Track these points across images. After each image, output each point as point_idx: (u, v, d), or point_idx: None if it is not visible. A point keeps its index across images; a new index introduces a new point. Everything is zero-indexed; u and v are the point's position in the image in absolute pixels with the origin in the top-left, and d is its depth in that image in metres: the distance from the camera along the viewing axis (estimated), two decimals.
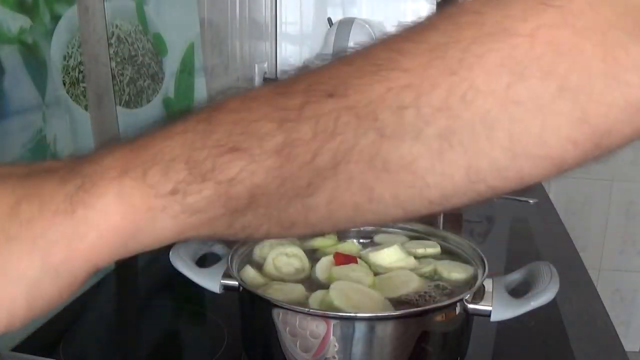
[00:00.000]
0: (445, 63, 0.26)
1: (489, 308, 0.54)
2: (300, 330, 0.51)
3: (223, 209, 0.28)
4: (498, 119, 0.26)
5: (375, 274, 0.59)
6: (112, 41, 0.83)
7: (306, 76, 0.28)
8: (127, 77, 0.87)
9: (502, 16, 0.26)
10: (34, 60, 0.66)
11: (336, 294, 0.53)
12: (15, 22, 0.63)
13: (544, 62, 0.26)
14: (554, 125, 0.26)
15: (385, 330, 0.51)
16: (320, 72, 0.28)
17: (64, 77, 0.72)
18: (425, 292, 0.57)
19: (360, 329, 0.51)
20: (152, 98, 0.93)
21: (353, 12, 1.70)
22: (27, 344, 0.61)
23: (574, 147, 0.27)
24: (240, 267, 0.60)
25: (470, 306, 0.54)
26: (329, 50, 1.62)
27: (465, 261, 0.62)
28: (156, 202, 0.27)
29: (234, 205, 0.28)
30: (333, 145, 0.27)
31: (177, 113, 0.31)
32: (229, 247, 0.63)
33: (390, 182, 0.28)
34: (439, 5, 1.17)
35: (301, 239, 0.68)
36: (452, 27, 0.27)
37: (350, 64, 0.28)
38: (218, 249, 0.66)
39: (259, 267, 0.61)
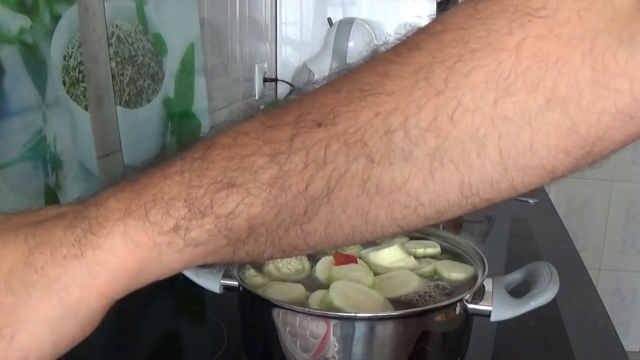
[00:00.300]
0: (430, 84, 0.26)
1: (489, 308, 0.54)
2: (300, 330, 0.51)
3: (225, 240, 0.29)
4: (487, 135, 0.26)
5: (375, 274, 0.59)
6: (112, 41, 0.83)
7: (295, 106, 0.29)
8: (127, 77, 0.87)
9: (486, 31, 0.26)
10: (34, 60, 0.66)
11: (336, 294, 0.53)
12: (15, 22, 0.63)
13: (531, 75, 0.26)
14: (544, 137, 0.26)
15: (385, 330, 0.51)
16: (309, 101, 0.29)
17: (64, 77, 0.72)
18: (425, 292, 0.57)
19: (360, 329, 0.51)
20: (152, 98, 0.93)
21: (353, 12, 1.70)
22: None
23: (565, 155, 0.27)
24: (240, 267, 0.60)
25: (470, 306, 0.54)
26: (329, 50, 1.62)
27: (465, 261, 0.62)
28: (160, 239, 0.29)
29: (235, 236, 0.29)
30: (325, 174, 0.27)
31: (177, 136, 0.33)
32: None
33: (385, 204, 0.28)
34: (439, 5, 1.17)
35: None
36: (436, 45, 0.27)
37: (338, 90, 0.28)
38: None
39: (259, 267, 0.61)
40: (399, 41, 0.29)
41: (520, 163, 0.27)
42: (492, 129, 0.26)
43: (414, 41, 0.28)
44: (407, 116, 0.27)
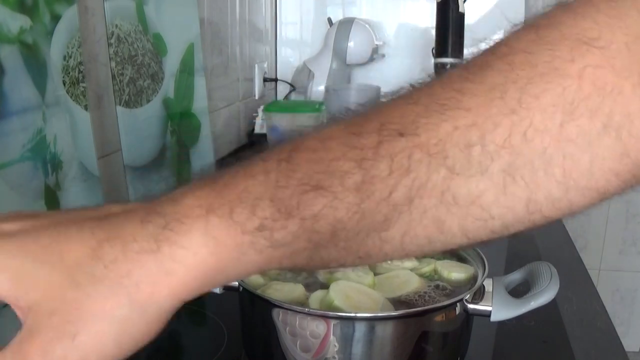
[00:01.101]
0: (505, 103, 0.28)
1: (489, 308, 0.54)
2: (300, 330, 0.51)
3: (306, 243, 0.29)
4: (553, 155, 0.28)
5: (375, 274, 0.59)
6: (112, 41, 0.83)
7: (376, 115, 0.30)
8: (127, 77, 0.87)
9: (551, 56, 0.28)
10: (34, 60, 0.66)
11: (336, 294, 0.53)
12: (15, 22, 0.63)
13: (591, 102, 0.27)
14: (600, 160, 0.28)
15: (385, 330, 0.51)
16: (388, 111, 0.30)
17: (64, 77, 0.72)
18: (425, 292, 0.57)
19: (360, 329, 0.51)
20: (152, 98, 0.93)
21: (353, 12, 1.70)
22: None
23: (616, 178, 0.29)
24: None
25: (470, 306, 0.54)
26: (329, 50, 1.62)
27: (465, 261, 0.62)
28: (244, 238, 0.29)
29: (317, 239, 0.29)
30: (408, 182, 0.28)
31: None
32: None
33: (459, 216, 0.29)
34: (438, 5, 1.17)
35: None
36: (506, 67, 0.29)
37: (416, 103, 0.29)
38: None
39: None
40: (466, 61, 0.31)
41: (580, 184, 0.29)
42: (557, 150, 0.28)
43: (484, 61, 0.30)
44: (484, 132, 0.28)
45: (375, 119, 0.29)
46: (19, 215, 0.32)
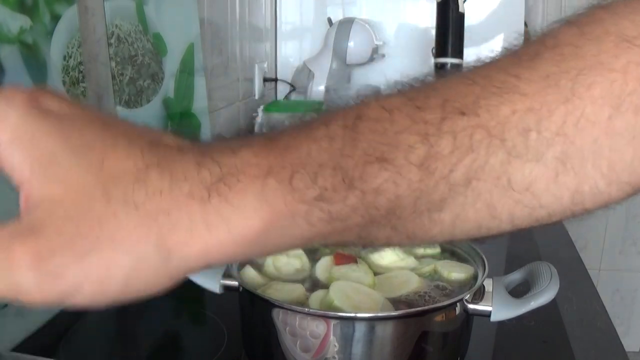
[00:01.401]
0: (559, 91, 0.28)
1: (489, 308, 0.54)
2: (300, 330, 0.51)
3: (361, 219, 0.28)
4: (602, 147, 0.28)
5: (375, 274, 0.59)
6: (112, 41, 0.83)
7: (436, 92, 0.29)
8: (127, 77, 0.86)
9: (597, 50, 0.29)
10: (34, 60, 0.66)
11: (336, 294, 0.53)
12: (15, 22, 0.63)
13: (636, 97, 0.28)
14: None
15: (385, 330, 0.51)
16: (449, 89, 0.29)
17: (64, 77, 0.72)
18: (425, 292, 0.57)
19: (360, 329, 0.51)
20: (152, 98, 0.93)
21: (353, 12, 1.70)
22: (27, 344, 0.61)
23: None
24: (240, 267, 0.60)
25: (470, 306, 0.54)
26: (329, 50, 1.62)
27: (465, 261, 0.62)
28: (300, 207, 0.27)
29: (372, 214, 0.28)
30: (467, 162, 0.28)
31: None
32: None
33: (511, 201, 0.29)
34: (439, 5, 1.17)
35: None
36: (557, 57, 0.29)
37: (473, 83, 0.29)
38: None
39: (259, 267, 0.61)
40: (510, 51, 0.31)
41: (621, 178, 0.29)
42: (605, 142, 0.28)
43: (534, 51, 0.30)
44: (541, 118, 0.28)
45: (436, 95, 0.29)
46: (66, 99, 0.28)
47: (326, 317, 0.51)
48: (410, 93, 0.29)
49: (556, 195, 0.29)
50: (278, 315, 0.52)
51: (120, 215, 0.25)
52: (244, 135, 0.29)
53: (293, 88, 1.68)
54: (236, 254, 0.27)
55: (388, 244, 0.31)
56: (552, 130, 0.28)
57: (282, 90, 1.76)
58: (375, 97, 0.29)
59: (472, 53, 1.52)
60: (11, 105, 0.26)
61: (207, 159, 0.27)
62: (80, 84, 0.75)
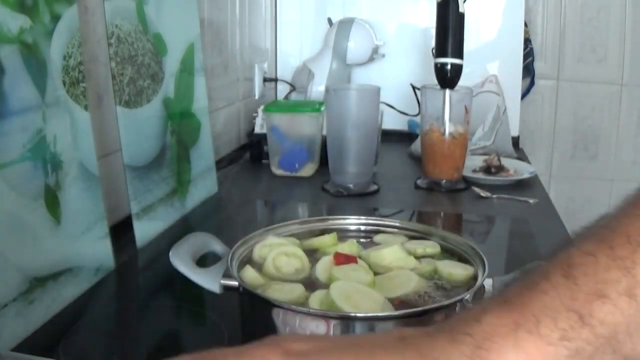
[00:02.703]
0: None
1: None
2: (300, 330, 0.51)
3: (592, 349, 0.32)
4: None
5: (375, 273, 0.59)
6: (112, 41, 0.83)
7: (618, 230, 0.34)
8: (127, 77, 0.87)
9: None
10: (34, 60, 0.66)
11: (336, 294, 0.53)
12: (15, 22, 0.63)
13: None
14: None
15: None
16: (627, 226, 0.34)
17: (64, 77, 0.72)
18: (425, 292, 0.57)
19: (360, 329, 0.51)
20: (152, 98, 0.93)
21: (353, 12, 1.70)
22: (27, 344, 0.61)
23: None
24: (240, 267, 0.60)
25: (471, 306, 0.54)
26: (329, 50, 1.62)
27: (465, 261, 0.62)
28: (549, 349, 0.31)
29: (600, 343, 0.32)
30: None
31: None
32: (228, 247, 0.63)
33: None
34: (439, 5, 1.17)
35: (301, 238, 0.68)
36: None
37: None
38: (218, 249, 0.66)
39: (259, 267, 0.61)
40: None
41: None
42: None
43: None
44: None
45: (620, 232, 0.34)
46: (301, 337, 0.35)
47: (326, 317, 0.51)
48: (598, 235, 0.35)
49: None
50: (278, 315, 0.52)
51: None
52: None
53: (293, 88, 1.68)
54: None
55: None
56: None
57: (282, 90, 1.76)
58: (573, 245, 0.35)
59: (472, 53, 1.53)
60: None
61: (459, 335, 0.32)
62: (80, 84, 0.75)
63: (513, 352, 0.31)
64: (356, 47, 1.61)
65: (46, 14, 0.68)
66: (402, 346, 0.33)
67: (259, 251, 0.63)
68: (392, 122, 1.59)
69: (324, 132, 1.22)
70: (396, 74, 1.68)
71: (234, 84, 1.45)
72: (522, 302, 0.33)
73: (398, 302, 0.55)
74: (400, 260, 0.62)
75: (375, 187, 1.21)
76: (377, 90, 1.17)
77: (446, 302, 0.53)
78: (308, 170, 1.28)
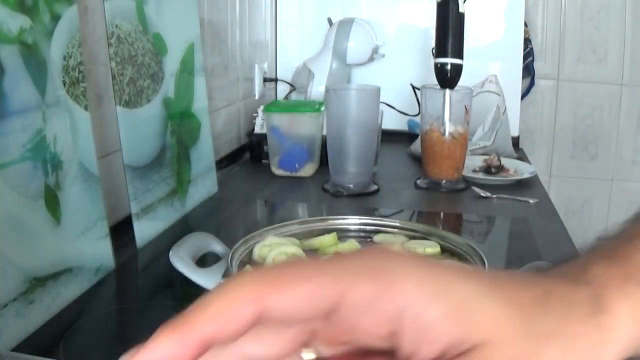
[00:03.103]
0: None
1: None
2: None
3: None
4: None
5: None
6: (112, 41, 0.83)
7: None
8: (127, 77, 0.87)
9: None
10: (34, 60, 0.66)
11: None
12: (15, 22, 0.63)
13: None
14: None
15: None
16: None
17: (64, 77, 0.72)
18: None
19: None
20: (152, 98, 0.93)
21: (353, 12, 1.70)
22: (27, 344, 0.61)
23: None
24: (240, 267, 0.60)
25: None
26: (329, 50, 1.62)
27: (465, 261, 0.62)
28: None
29: None
30: None
31: None
32: (228, 247, 0.63)
33: None
34: (439, 5, 1.17)
35: (301, 238, 0.68)
36: None
37: None
38: (218, 249, 0.66)
39: (259, 267, 0.61)
40: None
41: None
42: None
43: None
44: None
45: None
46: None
47: None
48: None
49: None
50: None
51: (544, 346, 0.26)
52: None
53: (293, 88, 1.69)
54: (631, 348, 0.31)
55: None
56: None
57: (282, 90, 1.76)
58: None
59: (472, 53, 1.53)
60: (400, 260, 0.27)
61: (577, 282, 0.30)
62: (80, 84, 0.75)
63: (625, 302, 0.30)
64: (356, 47, 1.61)
65: (46, 14, 0.68)
66: (525, 280, 0.29)
67: (259, 251, 0.63)
68: (392, 122, 1.59)
69: (324, 132, 1.22)
70: (396, 74, 1.68)
71: (234, 84, 1.45)
72: (626, 256, 0.32)
73: None
74: None
75: (375, 187, 1.21)
76: (377, 90, 1.17)
77: None
78: (308, 170, 1.28)
